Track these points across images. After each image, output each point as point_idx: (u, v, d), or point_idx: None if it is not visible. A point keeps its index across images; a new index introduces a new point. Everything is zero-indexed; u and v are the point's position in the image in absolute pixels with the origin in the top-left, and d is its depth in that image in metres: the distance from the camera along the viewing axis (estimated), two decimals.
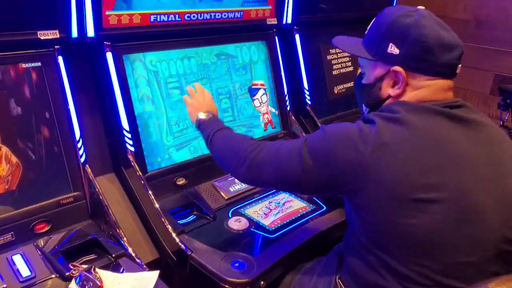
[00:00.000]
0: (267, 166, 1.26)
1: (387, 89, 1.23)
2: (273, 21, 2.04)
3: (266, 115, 2.07)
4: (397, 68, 1.18)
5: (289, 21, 2.13)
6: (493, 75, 2.87)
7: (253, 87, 2.04)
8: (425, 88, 1.18)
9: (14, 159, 1.37)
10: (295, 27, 2.18)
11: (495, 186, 1.12)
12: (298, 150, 1.20)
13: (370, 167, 1.09)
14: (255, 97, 2.04)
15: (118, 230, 1.44)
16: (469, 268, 1.09)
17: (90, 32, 1.51)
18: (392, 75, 1.20)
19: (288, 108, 2.14)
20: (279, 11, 2.05)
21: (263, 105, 2.07)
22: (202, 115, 1.52)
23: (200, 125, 1.51)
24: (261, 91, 2.07)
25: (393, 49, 1.18)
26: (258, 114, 2.04)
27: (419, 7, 1.23)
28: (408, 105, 1.17)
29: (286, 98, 2.14)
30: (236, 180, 1.83)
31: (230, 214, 1.66)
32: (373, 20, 1.28)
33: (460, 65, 1.20)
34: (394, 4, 2.71)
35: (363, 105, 1.35)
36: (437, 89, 1.18)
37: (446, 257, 1.09)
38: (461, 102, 1.19)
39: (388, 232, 1.12)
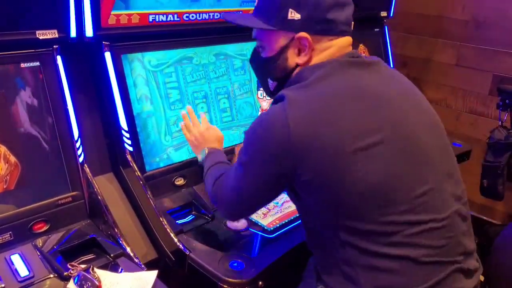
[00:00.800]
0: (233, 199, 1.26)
1: (294, 58, 1.19)
2: None
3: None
4: (302, 34, 1.15)
5: None
6: (492, 76, 2.87)
7: None
8: (330, 49, 1.17)
9: (12, 158, 1.37)
10: None
11: (419, 116, 1.17)
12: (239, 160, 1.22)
13: (298, 146, 1.07)
14: (260, 89, 2.05)
15: (116, 230, 1.44)
16: (430, 196, 1.10)
17: (89, 32, 1.51)
18: (297, 42, 1.16)
19: None
20: None
21: (265, 100, 2.07)
22: (203, 154, 1.57)
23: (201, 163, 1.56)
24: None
25: (293, 15, 1.14)
26: (256, 113, 2.04)
27: None
28: (311, 67, 1.17)
29: None
30: None
31: None
32: None
33: (352, 23, 1.22)
34: (393, 4, 2.72)
35: (269, 80, 1.30)
36: (341, 47, 1.18)
37: (406, 194, 1.08)
38: (356, 52, 1.21)
39: (342, 199, 1.09)
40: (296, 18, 1.13)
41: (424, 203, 1.09)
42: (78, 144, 1.49)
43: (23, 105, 1.41)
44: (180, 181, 1.73)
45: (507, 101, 2.40)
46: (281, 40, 1.18)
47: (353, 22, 1.21)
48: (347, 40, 1.20)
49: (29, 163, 1.40)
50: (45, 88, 1.45)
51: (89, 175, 1.49)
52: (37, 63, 1.45)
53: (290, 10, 1.14)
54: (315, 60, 1.18)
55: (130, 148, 1.61)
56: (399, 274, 1.08)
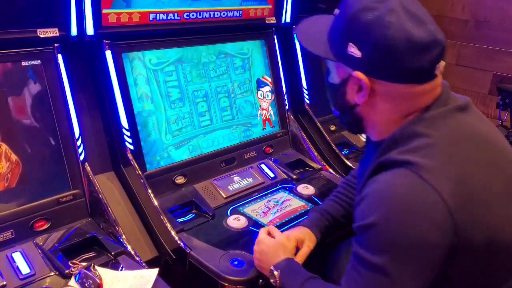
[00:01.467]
0: None
1: (353, 95, 1.05)
2: (272, 20, 2.05)
3: (264, 111, 2.07)
4: (358, 74, 1.00)
5: (288, 20, 2.13)
6: (492, 75, 2.88)
7: (262, 79, 2.06)
8: (401, 98, 1.01)
9: (13, 157, 1.37)
10: (294, 26, 2.19)
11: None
12: (366, 267, 0.96)
13: (462, 222, 0.91)
14: (260, 89, 2.05)
15: (117, 228, 1.44)
16: None
17: (90, 30, 1.51)
18: (355, 80, 1.02)
19: (287, 107, 2.15)
20: (278, 10, 2.05)
21: (265, 100, 2.07)
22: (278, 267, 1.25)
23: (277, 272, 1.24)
24: (267, 87, 2.08)
25: (353, 51, 0.98)
26: (256, 112, 2.04)
27: None
28: (423, 122, 1.00)
29: (285, 97, 2.15)
30: (234, 178, 1.84)
31: (229, 213, 1.66)
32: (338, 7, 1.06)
33: (440, 64, 0.99)
34: None
35: (333, 108, 1.18)
36: (417, 96, 1.01)
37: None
38: (447, 95, 1.05)
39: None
40: (356, 55, 0.98)
41: None
42: (79, 143, 1.49)
43: (24, 103, 1.41)
44: (180, 180, 1.73)
45: (507, 100, 2.41)
46: (341, 72, 1.06)
47: (440, 64, 0.99)
48: (423, 88, 1.00)
49: (30, 161, 1.40)
50: (46, 86, 1.45)
51: (90, 173, 1.49)
52: (38, 62, 1.45)
53: (351, 44, 0.98)
54: (384, 104, 1.03)
55: (131, 147, 1.61)
56: None
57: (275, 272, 1.23)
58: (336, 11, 1.07)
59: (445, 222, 0.89)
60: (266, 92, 2.08)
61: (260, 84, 2.07)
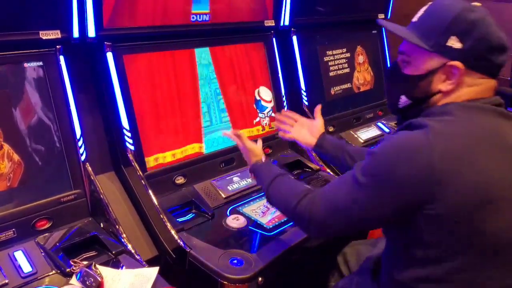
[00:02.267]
0: (327, 214, 1.18)
1: (438, 84, 1.15)
2: (270, 23, 2.07)
3: (266, 119, 2.10)
4: (457, 63, 1.11)
5: (287, 23, 2.16)
6: None
7: (262, 103, 2.08)
8: (477, 87, 1.13)
9: (16, 157, 1.39)
10: (292, 29, 2.21)
11: None
12: (352, 179, 1.13)
13: (441, 176, 1.02)
14: (262, 113, 2.08)
15: (118, 228, 1.46)
16: None
17: (91, 32, 1.53)
18: (447, 69, 1.13)
19: (286, 108, 2.17)
20: (276, 13, 2.08)
21: (267, 117, 2.10)
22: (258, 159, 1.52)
23: (256, 168, 1.50)
24: (268, 108, 2.10)
25: (453, 43, 1.11)
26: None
27: (474, 3, 1.17)
28: (458, 104, 1.12)
29: (284, 99, 2.17)
30: (234, 179, 1.86)
31: (228, 213, 1.68)
32: (425, 9, 1.19)
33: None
34: (391, 7, 2.75)
35: (403, 97, 1.25)
36: (486, 89, 1.13)
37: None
38: (499, 98, 1.17)
39: (467, 244, 1.06)
40: (455, 47, 1.11)
41: None
42: (80, 143, 1.51)
43: (26, 104, 1.43)
44: (180, 180, 1.75)
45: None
46: (432, 63, 1.15)
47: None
48: (494, 83, 1.15)
49: (32, 161, 1.42)
50: (47, 87, 1.47)
51: (91, 173, 1.51)
52: (40, 63, 1.47)
53: (453, 37, 1.11)
54: (459, 94, 1.13)
55: (132, 147, 1.63)
56: None
57: (251, 176, 1.53)
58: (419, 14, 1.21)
59: (426, 172, 1.02)
60: (267, 112, 2.10)
61: (261, 109, 2.08)
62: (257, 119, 2.07)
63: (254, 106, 2.05)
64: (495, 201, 1.04)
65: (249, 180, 1.87)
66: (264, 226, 1.61)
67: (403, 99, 1.25)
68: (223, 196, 1.76)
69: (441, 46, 1.12)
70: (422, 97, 1.19)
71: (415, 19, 1.20)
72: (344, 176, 1.20)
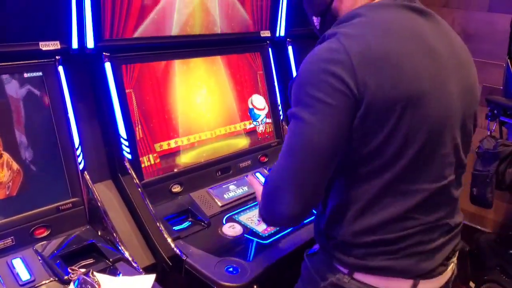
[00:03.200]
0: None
1: None
2: (266, 33, 2.11)
3: (262, 127, 2.13)
4: None
5: (282, 33, 2.20)
6: (481, 87, 2.94)
7: (255, 111, 2.11)
8: None
9: (15, 165, 1.41)
10: (287, 39, 2.25)
11: (459, 77, 1.11)
12: (292, 122, 1.05)
13: (361, 74, 0.98)
14: (257, 121, 2.11)
15: (115, 235, 1.48)
16: (437, 160, 1.09)
17: (90, 43, 1.56)
18: None
19: (281, 117, 2.20)
20: (272, 24, 2.11)
21: (262, 125, 2.13)
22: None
23: None
24: (262, 116, 2.13)
25: None
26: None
27: None
28: (367, 6, 1.09)
29: (279, 107, 2.20)
30: (230, 187, 1.89)
31: (224, 221, 1.70)
32: None
33: None
34: None
35: (313, 17, 1.26)
36: None
37: (428, 153, 1.06)
38: None
39: (382, 148, 1.02)
40: None
41: (439, 164, 1.10)
42: (78, 152, 1.53)
43: (25, 114, 1.45)
44: (177, 189, 1.77)
45: (495, 111, 2.47)
46: None
47: None
48: None
49: (31, 170, 1.44)
50: (47, 97, 1.50)
51: (89, 182, 1.53)
52: (40, 73, 1.49)
53: None
54: None
55: (129, 156, 1.65)
56: None
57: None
58: None
59: (348, 75, 0.97)
60: (262, 119, 2.13)
61: (254, 117, 2.10)
62: (251, 125, 2.09)
63: (248, 114, 2.08)
64: (418, 98, 1.01)
65: (245, 188, 1.89)
66: (260, 234, 1.63)
67: (315, 20, 1.26)
68: (219, 204, 1.78)
69: None
70: (324, 9, 1.18)
71: None
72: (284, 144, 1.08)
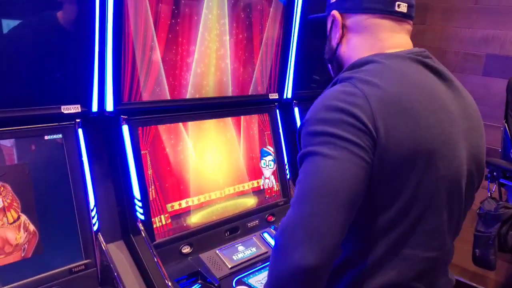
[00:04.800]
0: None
1: (335, 38, 1.20)
2: (274, 96, 2.19)
3: (267, 180, 2.16)
4: (333, 12, 1.17)
5: (289, 96, 2.28)
6: None
7: (265, 149, 2.17)
8: (366, 31, 1.13)
9: (31, 227, 1.42)
10: (294, 101, 2.33)
11: (469, 141, 1.09)
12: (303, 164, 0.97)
13: (379, 123, 0.94)
14: (264, 158, 2.15)
15: None
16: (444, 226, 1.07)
17: (110, 107, 1.61)
18: (335, 22, 1.18)
19: (288, 176, 2.24)
20: (280, 87, 2.20)
21: (268, 169, 2.16)
22: None
23: None
24: (270, 156, 2.18)
25: None
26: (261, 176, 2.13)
27: None
28: (381, 54, 1.09)
29: (286, 166, 2.25)
30: (239, 248, 1.89)
31: (234, 283, 1.70)
32: None
33: (402, 3, 1.12)
34: None
35: (329, 66, 1.29)
36: (379, 30, 1.12)
37: (436, 218, 1.05)
38: (427, 52, 1.14)
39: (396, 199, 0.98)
40: (332, 0, 1.19)
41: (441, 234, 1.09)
42: (93, 214, 1.55)
43: (44, 176, 1.47)
44: (186, 249, 1.78)
45: (494, 173, 2.53)
46: (329, 23, 1.22)
47: (404, 4, 1.12)
48: (389, 23, 1.13)
49: (47, 232, 1.45)
50: (65, 159, 1.52)
51: (103, 243, 1.54)
52: (60, 135, 1.53)
53: None
54: (354, 39, 1.15)
55: (142, 217, 1.67)
56: None
57: None
58: None
59: (367, 119, 0.93)
60: (269, 161, 2.18)
61: (263, 153, 2.17)
62: (261, 188, 2.13)
63: (256, 172, 2.12)
64: (432, 153, 0.99)
65: (254, 249, 1.90)
66: None
67: (329, 67, 1.29)
68: (229, 266, 1.79)
69: (328, 5, 1.21)
70: (332, 56, 1.22)
71: None
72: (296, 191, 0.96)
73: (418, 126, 0.98)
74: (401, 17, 1.14)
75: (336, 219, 0.90)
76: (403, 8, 1.13)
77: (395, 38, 1.13)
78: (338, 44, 1.19)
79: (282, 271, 0.93)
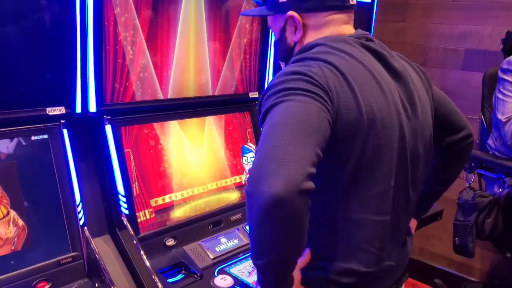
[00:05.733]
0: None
1: (291, 37, 1.28)
2: (255, 94, 2.28)
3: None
4: (291, 13, 1.23)
5: None
6: None
7: (246, 146, 2.25)
8: (325, 26, 1.24)
9: (20, 222, 1.51)
10: None
11: (408, 116, 1.20)
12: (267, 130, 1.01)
13: (329, 87, 1.06)
14: (245, 155, 2.24)
15: None
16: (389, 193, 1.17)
17: (92, 108, 1.70)
18: (291, 21, 1.25)
19: None
20: (260, 86, 2.29)
21: (250, 165, 2.25)
22: None
23: None
24: (251, 153, 2.26)
25: None
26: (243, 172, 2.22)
27: None
28: (326, 37, 1.21)
29: None
30: (221, 240, 1.98)
31: (216, 273, 1.78)
32: None
33: None
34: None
35: (280, 63, 1.39)
36: (336, 24, 1.24)
37: (382, 182, 1.16)
38: (370, 36, 1.25)
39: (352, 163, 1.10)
40: (285, 0, 1.24)
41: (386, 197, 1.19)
42: (79, 209, 1.64)
43: (32, 174, 1.56)
44: (170, 242, 1.86)
45: (472, 164, 2.62)
46: (279, 23, 1.29)
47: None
48: (341, 17, 1.25)
49: (35, 226, 1.54)
50: (51, 158, 1.61)
51: (89, 237, 1.63)
52: (46, 136, 1.62)
53: None
54: (312, 37, 1.24)
55: (127, 212, 1.76)
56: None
57: None
58: None
59: (321, 78, 1.06)
60: (250, 157, 2.26)
61: (245, 150, 2.25)
62: (243, 183, 2.21)
63: (238, 168, 2.21)
64: (374, 122, 1.10)
65: (236, 241, 1.99)
66: (251, 286, 1.71)
67: (282, 65, 1.38)
68: (211, 257, 1.87)
69: (277, 5, 1.27)
70: (287, 55, 1.31)
71: None
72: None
73: (361, 97, 1.09)
74: (352, 9, 1.28)
75: (302, 146, 0.93)
76: (353, 1, 1.27)
77: (348, 28, 1.28)
78: (296, 42, 1.29)
79: (254, 207, 0.93)
